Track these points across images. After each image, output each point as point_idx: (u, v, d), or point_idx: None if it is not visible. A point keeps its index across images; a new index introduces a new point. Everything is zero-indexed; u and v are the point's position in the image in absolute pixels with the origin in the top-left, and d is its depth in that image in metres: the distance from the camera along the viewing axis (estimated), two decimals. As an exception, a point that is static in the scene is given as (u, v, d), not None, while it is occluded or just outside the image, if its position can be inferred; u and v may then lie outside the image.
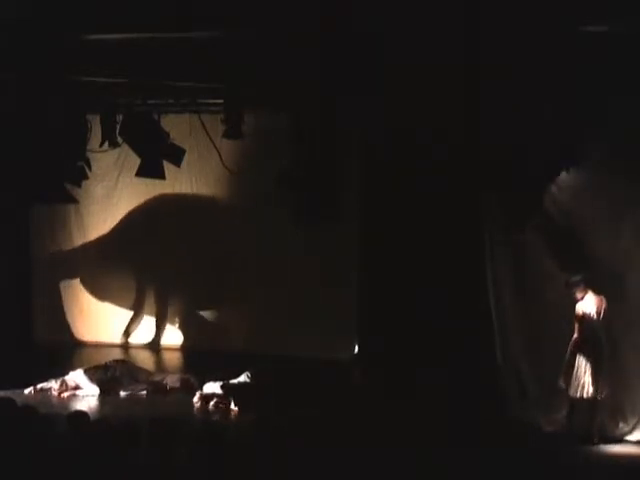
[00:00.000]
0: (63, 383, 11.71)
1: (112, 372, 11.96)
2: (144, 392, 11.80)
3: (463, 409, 9.73)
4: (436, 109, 9.83)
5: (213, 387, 11.34)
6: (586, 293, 9.76)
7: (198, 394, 11.30)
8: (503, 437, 9.52)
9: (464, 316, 10.13)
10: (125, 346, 14.94)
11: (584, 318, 9.74)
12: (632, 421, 9.85)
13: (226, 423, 10.29)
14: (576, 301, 9.77)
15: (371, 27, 8.56)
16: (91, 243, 15.15)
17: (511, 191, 10.02)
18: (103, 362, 12.39)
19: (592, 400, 9.69)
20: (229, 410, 10.94)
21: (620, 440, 9.84)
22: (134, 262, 14.90)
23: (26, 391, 11.56)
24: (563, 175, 9.87)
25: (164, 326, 14.91)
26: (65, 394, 11.63)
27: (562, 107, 9.49)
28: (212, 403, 11.13)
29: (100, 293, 15.11)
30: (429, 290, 10.29)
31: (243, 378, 11.41)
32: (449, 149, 9.97)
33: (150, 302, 14.97)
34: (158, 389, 11.90)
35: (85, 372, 11.86)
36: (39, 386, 11.70)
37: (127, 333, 15.01)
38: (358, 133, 11.15)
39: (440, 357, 10.12)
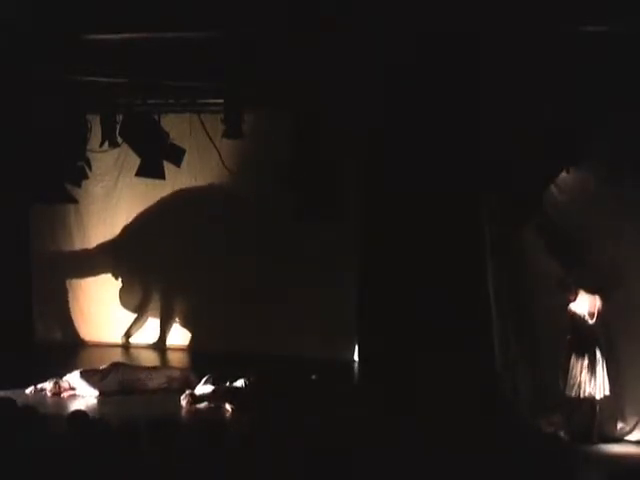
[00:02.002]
0: (56, 384, 11.66)
1: (111, 376, 11.86)
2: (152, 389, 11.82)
3: (463, 409, 9.72)
4: (436, 109, 9.82)
5: (205, 389, 11.33)
6: (578, 294, 9.76)
7: (185, 394, 11.26)
8: (503, 437, 9.52)
9: (464, 316, 10.11)
10: (126, 346, 14.95)
11: (577, 318, 9.76)
12: (632, 421, 9.85)
13: (224, 424, 10.28)
14: (569, 301, 9.79)
15: (371, 27, 8.55)
16: (92, 243, 15.15)
17: (511, 191, 10.03)
18: (100, 366, 12.28)
19: (590, 400, 9.69)
20: (224, 411, 10.92)
21: (620, 440, 9.84)
22: (136, 262, 14.89)
23: (27, 391, 11.55)
24: (563, 175, 9.87)
25: (167, 326, 14.90)
26: (65, 394, 11.62)
27: (562, 107, 9.49)
28: (204, 404, 11.12)
29: (102, 293, 15.12)
30: (429, 290, 10.28)
31: (240, 383, 11.39)
32: (449, 149, 9.96)
33: (152, 302, 14.97)
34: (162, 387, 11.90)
35: (82, 376, 11.78)
36: (39, 386, 11.68)
37: (129, 333, 15.00)
38: (358, 133, 11.14)
39: (440, 357, 10.11)
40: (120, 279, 14.98)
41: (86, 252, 15.19)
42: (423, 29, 8.49)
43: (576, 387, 9.71)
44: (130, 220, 14.93)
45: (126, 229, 14.98)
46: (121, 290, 14.98)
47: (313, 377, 11.66)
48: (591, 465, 9.42)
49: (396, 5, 8.24)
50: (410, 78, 9.56)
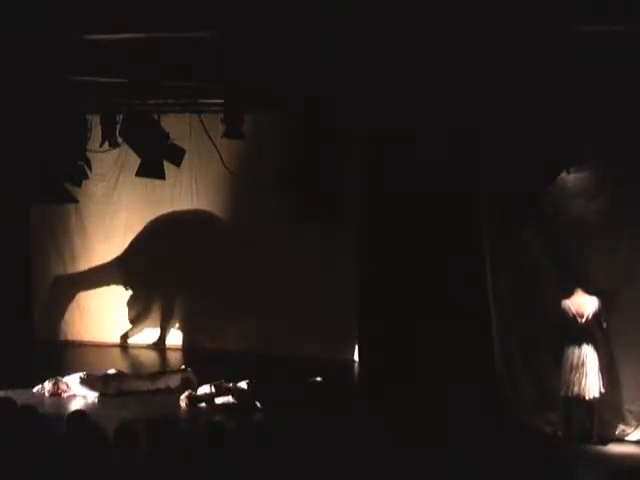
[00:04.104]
0: (55, 385, 11.66)
1: (112, 384, 11.83)
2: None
3: (463, 409, 9.73)
4: (436, 108, 9.83)
5: (205, 389, 11.33)
6: (574, 293, 9.75)
7: (185, 394, 11.26)
8: (503, 437, 9.52)
9: (464, 316, 10.12)
10: (125, 346, 14.94)
11: (567, 317, 9.74)
12: (634, 423, 9.83)
13: (225, 424, 10.28)
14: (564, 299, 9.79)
15: (371, 27, 8.55)
16: (92, 243, 15.15)
17: (511, 191, 10.02)
18: (99, 367, 12.28)
19: (583, 399, 9.66)
20: (224, 412, 10.92)
21: (620, 440, 9.82)
22: (136, 263, 14.89)
23: (27, 391, 11.54)
24: (563, 175, 9.87)
25: (167, 326, 14.90)
26: (65, 394, 11.61)
27: (562, 107, 9.49)
28: (205, 405, 11.12)
29: (102, 293, 15.12)
30: (429, 290, 10.28)
31: (242, 384, 11.40)
32: (449, 149, 9.96)
33: (152, 303, 14.96)
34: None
35: (82, 382, 11.74)
36: (38, 387, 11.67)
37: (129, 333, 14.98)
38: (358, 133, 11.15)
39: (440, 357, 10.11)
40: (122, 280, 14.99)
41: (87, 253, 15.20)
42: (422, 28, 8.48)
43: (564, 386, 9.71)
44: (130, 221, 14.93)
45: (126, 231, 14.97)
46: (122, 290, 14.98)
47: (316, 379, 11.69)
48: (591, 465, 9.41)
49: (396, 4, 8.24)
50: (410, 78, 9.56)
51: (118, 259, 14.97)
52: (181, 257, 14.42)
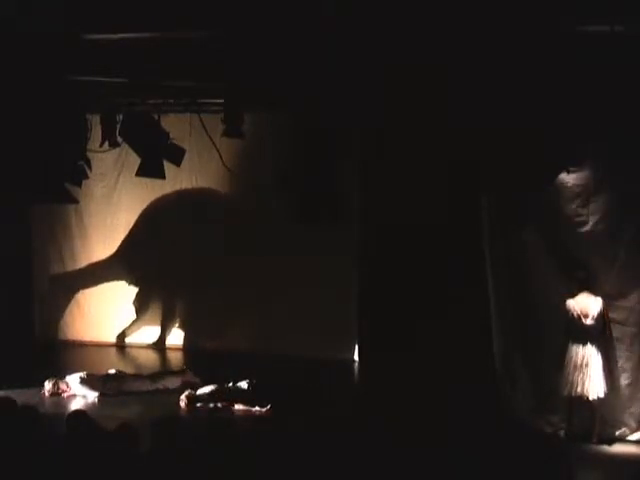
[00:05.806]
0: (55, 385, 11.67)
1: (112, 385, 11.85)
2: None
3: (463, 409, 9.73)
4: (435, 109, 9.83)
5: (205, 389, 11.35)
6: (579, 293, 9.74)
7: (185, 394, 11.27)
8: (503, 437, 9.51)
9: (464, 317, 10.11)
10: (125, 346, 14.94)
11: (572, 317, 9.72)
12: (634, 424, 9.82)
13: (226, 424, 10.27)
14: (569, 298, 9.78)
15: (371, 27, 8.56)
16: (92, 243, 15.15)
17: (511, 191, 10.02)
18: (99, 367, 12.31)
19: (586, 400, 9.65)
20: (223, 411, 10.92)
21: (620, 440, 9.82)
22: (136, 263, 14.89)
23: (27, 391, 11.54)
24: (563, 175, 9.87)
25: (167, 326, 14.90)
26: (65, 394, 11.62)
27: (561, 107, 9.49)
28: (204, 404, 11.13)
29: (102, 293, 15.12)
30: (429, 290, 10.28)
31: (242, 384, 11.41)
32: (448, 149, 9.96)
33: (152, 303, 14.96)
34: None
35: (82, 382, 11.77)
36: (41, 387, 11.67)
37: (124, 334, 14.98)
38: (358, 133, 11.15)
39: (440, 357, 10.11)
40: (122, 280, 14.98)
41: (87, 253, 15.20)
42: (422, 28, 8.49)
43: (568, 386, 9.70)
44: (130, 221, 14.93)
45: (126, 231, 14.97)
46: (123, 290, 14.98)
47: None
48: (591, 465, 9.41)
49: (396, 4, 8.24)
50: (410, 78, 9.56)
51: (117, 256, 14.97)
52: (181, 257, 14.42)
